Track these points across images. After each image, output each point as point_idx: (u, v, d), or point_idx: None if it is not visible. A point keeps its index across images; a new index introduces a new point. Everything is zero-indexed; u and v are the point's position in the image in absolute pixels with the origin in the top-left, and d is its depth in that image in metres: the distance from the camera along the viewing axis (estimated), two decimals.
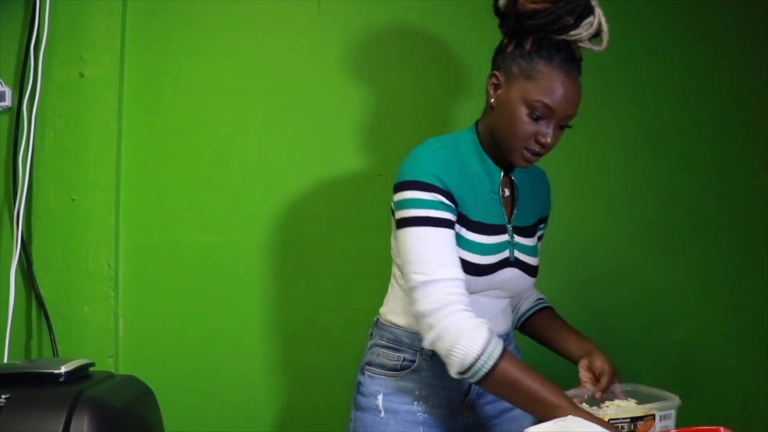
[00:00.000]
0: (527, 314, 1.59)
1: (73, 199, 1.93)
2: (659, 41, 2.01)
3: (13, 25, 1.96)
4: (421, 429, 1.40)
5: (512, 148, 1.34)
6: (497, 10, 1.37)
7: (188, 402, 1.93)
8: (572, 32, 1.29)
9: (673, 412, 1.32)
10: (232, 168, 1.97)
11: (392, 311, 1.45)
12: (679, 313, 1.99)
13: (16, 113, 1.93)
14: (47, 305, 1.89)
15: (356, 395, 1.46)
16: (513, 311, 1.61)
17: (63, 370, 1.03)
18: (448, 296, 1.24)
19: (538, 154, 1.34)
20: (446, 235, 1.29)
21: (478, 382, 1.24)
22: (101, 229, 1.93)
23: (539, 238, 1.53)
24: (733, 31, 2.02)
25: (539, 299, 1.60)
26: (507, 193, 1.43)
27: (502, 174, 1.41)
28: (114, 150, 1.95)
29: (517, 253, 1.41)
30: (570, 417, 1.14)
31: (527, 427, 1.32)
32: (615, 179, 2.02)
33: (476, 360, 1.20)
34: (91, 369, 1.16)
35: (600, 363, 1.43)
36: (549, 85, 1.28)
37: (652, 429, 1.28)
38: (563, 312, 1.71)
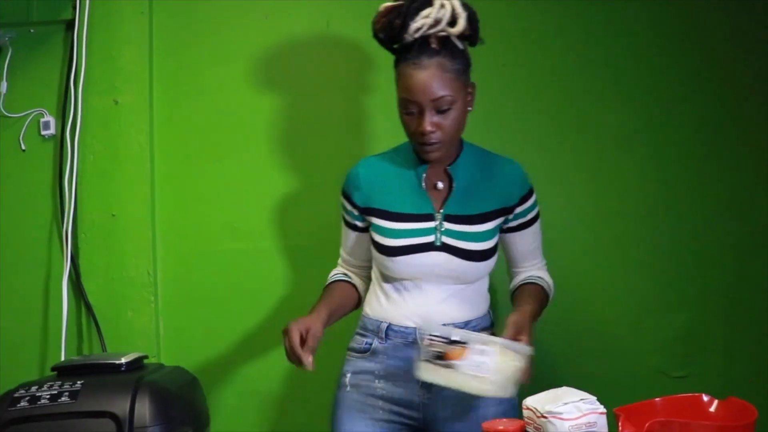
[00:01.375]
0: (512, 290, 1.64)
1: (113, 215, 2.08)
2: (658, 41, 2.03)
3: (54, 61, 2.13)
4: (381, 402, 1.55)
5: (414, 146, 1.53)
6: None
7: (224, 393, 2.06)
8: (411, 30, 1.42)
9: (490, 349, 1.32)
10: (257, 179, 2.08)
11: (365, 301, 1.66)
12: (680, 298, 2.02)
13: (59, 140, 2.10)
14: (95, 311, 2.05)
15: (338, 377, 1.62)
16: (484, 300, 1.64)
17: (123, 360, 1.21)
18: (338, 265, 1.70)
19: (432, 143, 1.46)
20: (344, 229, 1.66)
21: None
22: (140, 240, 2.07)
23: (520, 225, 1.59)
24: (732, 30, 2.01)
25: (529, 277, 1.62)
26: (441, 185, 1.56)
27: (429, 169, 1.54)
28: (148, 168, 2.09)
29: (445, 239, 1.52)
30: (563, 387, 1.24)
31: (487, 410, 1.48)
32: (621, 175, 2.03)
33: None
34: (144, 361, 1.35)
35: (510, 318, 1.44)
36: (405, 81, 1.44)
37: (462, 357, 1.33)
38: (572, 298, 1.85)
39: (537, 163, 2.00)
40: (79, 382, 1.13)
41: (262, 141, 2.10)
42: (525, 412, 1.19)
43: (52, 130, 2.12)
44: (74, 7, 2.10)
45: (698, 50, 2.02)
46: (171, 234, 2.11)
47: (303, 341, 1.40)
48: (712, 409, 1.21)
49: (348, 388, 1.59)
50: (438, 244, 1.52)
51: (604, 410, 1.15)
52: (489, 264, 1.57)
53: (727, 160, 2.02)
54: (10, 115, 2.13)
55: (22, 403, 1.11)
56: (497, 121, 2.04)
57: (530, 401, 1.19)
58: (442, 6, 1.44)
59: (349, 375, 1.60)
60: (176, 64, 2.13)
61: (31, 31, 2.15)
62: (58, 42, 2.14)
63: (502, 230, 1.60)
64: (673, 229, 2.04)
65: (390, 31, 1.46)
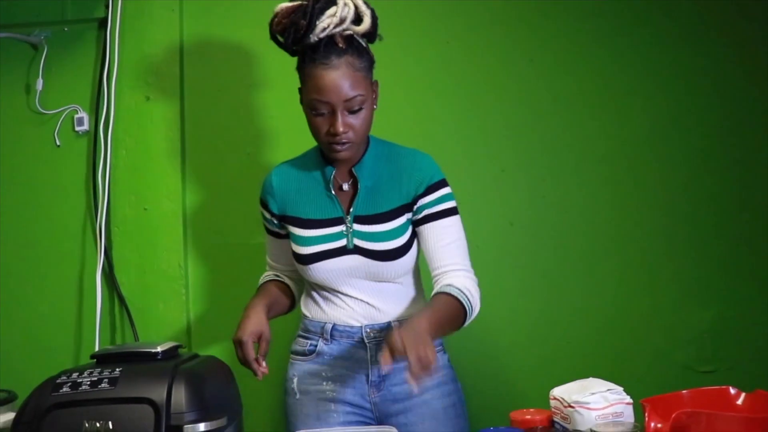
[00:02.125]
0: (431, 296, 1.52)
1: (145, 209, 2.12)
2: (673, 39, 2.04)
3: (87, 58, 2.18)
4: (333, 405, 1.54)
5: (322, 147, 1.50)
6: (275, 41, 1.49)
7: (253, 384, 2.05)
8: (317, 30, 1.40)
9: None
10: None
11: (303, 303, 1.65)
12: (708, 294, 2.03)
13: (93, 136, 2.14)
14: (128, 303, 2.10)
15: (284, 382, 1.62)
16: (422, 295, 1.62)
17: (159, 349, 1.25)
18: (266, 271, 1.69)
19: (343, 143, 1.44)
20: (267, 236, 1.66)
21: None
22: (171, 234, 2.11)
23: (426, 217, 1.51)
24: (750, 26, 2.02)
25: (445, 286, 1.48)
26: (346, 187, 1.53)
27: (335, 171, 1.53)
28: (179, 164, 2.13)
29: (357, 241, 1.50)
30: (590, 378, 1.27)
31: (441, 409, 1.51)
32: (646, 171, 2.05)
33: None
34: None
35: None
36: (314, 81, 1.41)
37: None
38: (599, 293, 1.85)
39: (557, 161, 2.07)
40: (117, 370, 1.16)
41: (292, 136, 2.06)
42: (552, 402, 1.21)
43: (85, 126, 2.17)
44: (107, 6, 2.14)
45: (715, 46, 2.03)
46: (201, 227, 2.14)
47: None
48: (739, 401, 1.21)
49: (298, 395, 1.58)
50: (350, 247, 1.50)
51: (631, 401, 1.17)
52: (406, 261, 1.52)
53: (754, 154, 2.02)
54: (45, 111, 2.18)
55: (65, 389, 1.15)
56: (514, 119, 2.06)
57: (557, 391, 1.21)
58: (346, 4, 1.42)
59: (296, 379, 1.58)
60: (206, 61, 2.16)
61: (65, 29, 2.20)
62: (92, 40, 2.19)
63: (413, 226, 1.54)
64: (700, 225, 2.04)
65: (294, 32, 1.42)
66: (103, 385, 1.14)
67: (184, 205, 2.14)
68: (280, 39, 1.47)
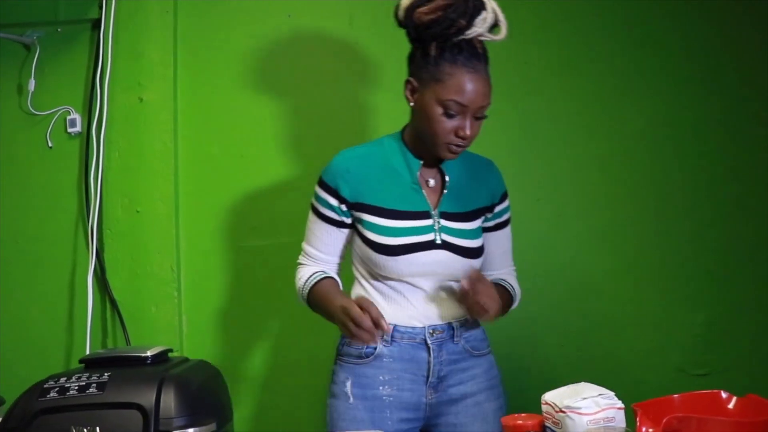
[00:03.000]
0: None
1: (138, 211, 2.11)
2: (670, 39, 2.04)
3: (80, 59, 2.17)
4: (388, 412, 1.50)
5: (436, 144, 1.45)
6: (399, 22, 1.46)
7: (246, 388, 2.09)
8: (468, 32, 1.38)
9: None
10: (279, 176, 2.09)
11: None
12: (701, 297, 2.03)
13: (86, 137, 2.13)
14: (119, 306, 2.08)
15: (330, 384, 1.56)
16: None
17: (149, 354, 1.24)
18: (301, 258, 1.61)
19: (461, 146, 1.45)
20: (321, 226, 1.56)
21: (308, 304, 1.55)
22: (164, 236, 2.10)
23: (496, 225, 1.60)
24: (745, 27, 2.02)
25: (496, 279, 1.61)
26: (433, 182, 1.53)
27: (421, 166, 1.51)
28: (172, 166, 2.12)
29: (444, 236, 1.50)
30: (582, 382, 1.25)
31: (491, 411, 1.51)
32: (640, 175, 2.05)
33: (300, 289, 1.55)
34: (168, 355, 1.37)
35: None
36: (457, 83, 1.39)
37: None
38: (592, 296, 1.87)
39: (551, 162, 2.07)
40: (106, 374, 1.16)
41: (285, 138, 2.12)
42: (544, 407, 1.20)
43: (78, 128, 2.16)
44: (100, 7, 2.13)
45: (724, 48, 2.03)
46: (194, 230, 2.13)
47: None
48: (730, 405, 1.20)
49: (351, 400, 1.51)
50: (438, 242, 1.50)
51: (623, 405, 1.16)
52: (481, 260, 1.57)
53: (747, 158, 2.02)
54: (37, 112, 2.17)
55: (52, 394, 1.14)
56: (512, 121, 2.05)
57: (549, 396, 1.20)
58: (493, 11, 1.41)
59: (349, 383, 1.52)
60: (200, 63, 2.16)
61: (58, 30, 2.19)
62: (85, 41, 2.18)
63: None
64: (693, 229, 2.04)
65: (448, 28, 1.38)
66: (91, 390, 1.13)
67: (177, 208, 2.13)
68: (426, 30, 1.41)
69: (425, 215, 1.51)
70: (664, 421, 1.08)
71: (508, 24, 1.43)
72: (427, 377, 1.52)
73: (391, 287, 1.52)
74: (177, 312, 2.09)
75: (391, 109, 2.04)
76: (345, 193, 1.51)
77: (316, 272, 1.56)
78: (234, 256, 2.12)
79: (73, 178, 2.17)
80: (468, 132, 1.42)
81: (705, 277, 2.04)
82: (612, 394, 1.17)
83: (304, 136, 2.12)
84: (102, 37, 2.11)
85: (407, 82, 1.47)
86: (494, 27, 1.43)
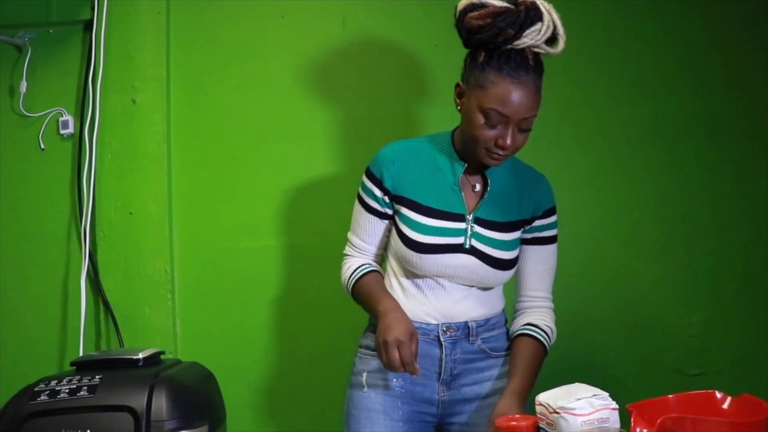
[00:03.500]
0: (513, 333, 1.57)
1: (131, 213, 2.10)
2: (675, 39, 2.03)
3: (72, 61, 2.16)
4: (400, 402, 1.52)
5: (477, 150, 1.44)
6: (455, 24, 1.43)
7: (240, 390, 2.07)
8: (517, 42, 1.35)
9: None
10: (273, 177, 2.09)
11: None
12: (696, 297, 2.03)
13: (78, 139, 2.12)
14: (113, 308, 2.07)
15: (350, 375, 1.59)
16: (500, 298, 1.61)
17: (141, 356, 1.23)
18: (348, 249, 1.62)
19: (502, 156, 1.43)
20: (365, 216, 1.57)
21: (353, 297, 1.57)
22: (157, 238, 2.09)
23: (534, 240, 1.55)
24: (736, 28, 2.02)
25: (526, 325, 1.55)
26: (478, 187, 1.52)
27: (464, 169, 1.50)
28: (165, 167, 2.11)
29: (474, 242, 1.49)
30: (576, 383, 1.24)
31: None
32: (635, 175, 2.04)
33: (345, 281, 1.57)
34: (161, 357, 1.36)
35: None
36: (500, 93, 1.36)
37: None
38: (587, 297, 1.85)
39: (549, 156, 2.02)
40: (97, 377, 1.15)
41: (279, 139, 2.12)
42: (538, 408, 1.19)
43: (70, 129, 2.15)
44: (92, 8, 2.12)
45: (715, 49, 2.02)
46: (188, 232, 2.12)
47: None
48: (725, 405, 1.20)
49: (365, 389, 1.54)
50: (467, 246, 1.49)
51: (617, 406, 1.15)
52: (511, 273, 1.55)
53: (743, 160, 2.02)
54: (29, 114, 2.16)
55: (42, 397, 1.13)
56: None
57: (543, 397, 1.19)
58: (551, 23, 1.37)
59: (365, 374, 1.55)
60: (193, 64, 2.15)
61: (50, 31, 2.18)
62: (77, 42, 2.17)
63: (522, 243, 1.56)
64: (689, 229, 2.04)
65: (496, 35, 1.35)
66: (82, 392, 1.13)
67: (170, 209, 2.12)
68: (476, 36, 1.39)
69: (460, 218, 1.50)
70: (659, 421, 1.08)
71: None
72: (440, 374, 1.52)
73: (414, 284, 1.54)
74: (171, 314, 2.08)
75: (385, 109, 2.07)
76: (388, 183, 1.52)
77: (362, 265, 1.58)
78: (228, 258, 2.11)
79: (65, 180, 2.16)
80: (509, 142, 1.40)
81: (701, 278, 2.03)
82: (606, 394, 1.16)
83: (299, 137, 2.11)
84: (94, 38, 2.10)
85: (457, 85, 1.47)
86: (553, 40, 1.39)
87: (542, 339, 1.52)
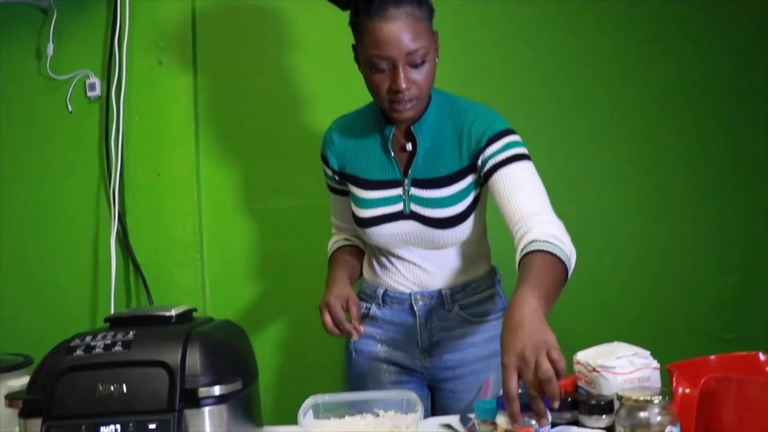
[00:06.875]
0: (518, 261, 1.27)
1: (159, 175, 2.09)
2: (682, 31, 2.03)
3: (98, 23, 2.14)
4: (385, 366, 1.55)
5: (383, 105, 1.38)
6: None
7: (269, 350, 2.10)
8: None
9: None
10: (301, 138, 2.07)
11: (364, 265, 1.63)
12: (731, 261, 2.02)
13: (105, 101, 2.11)
14: (143, 269, 2.08)
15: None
16: (482, 259, 1.55)
17: (173, 313, 1.23)
18: (333, 235, 1.67)
19: (405, 101, 1.34)
20: (331, 195, 1.61)
21: None
22: (186, 200, 2.09)
23: (494, 167, 1.37)
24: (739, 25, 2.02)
25: (533, 242, 1.25)
26: (410, 146, 1.44)
27: (392, 132, 1.45)
28: (192, 128, 2.10)
29: (413, 206, 1.43)
30: (615, 342, 1.21)
31: (489, 373, 1.47)
32: (667, 140, 2.04)
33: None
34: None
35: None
36: (373, 37, 1.30)
37: None
38: (621, 261, 1.86)
39: (583, 120, 2.05)
40: (131, 333, 1.14)
41: (307, 99, 2.09)
42: (576, 367, 1.17)
43: (97, 92, 2.14)
44: None
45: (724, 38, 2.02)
46: (216, 193, 2.12)
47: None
48: None
49: (354, 354, 1.59)
50: (407, 212, 1.44)
51: (658, 365, 1.13)
52: (464, 229, 1.44)
53: None
54: (56, 77, 2.15)
55: (78, 352, 1.13)
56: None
57: (581, 356, 1.17)
58: None
59: (352, 340, 1.59)
60: (219, 23, 2.13)
61: None
62: (102, 3, 2.15)
63: (484, 184, 1.42)
64: (723, 193, 2.03)
65: None
66: (116, 348, 1.12)
67: (198, 171, 2.11)
68: None
69: (396, 184, 1.45)
70: (703, 381, 1.05)
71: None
72: (418, 342, 1.53)
73: (385, 256, 1.54)
74: (200, 275, 2.09)
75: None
76: (333, 163, 1.53)
77: (334, 244, 1.65)
78: (257, 219, 2.11)
79: (93, 143, 2.15)
80: (402, 85, 1.31)
81: (737, 241, 2.02)
82: (647, 353, 1.14)
83: (329, 96, 2.08)
84: (119, 1, 2.08)
85: (353, 48, 1.41)
86: None
87: (545, 248, 1.22)
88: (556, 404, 1.00)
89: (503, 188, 1.35)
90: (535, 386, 1.00)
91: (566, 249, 1.25)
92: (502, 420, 1.06)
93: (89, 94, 2.14)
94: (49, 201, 2.17)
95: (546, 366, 0.99)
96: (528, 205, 1.32)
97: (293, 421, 1.16)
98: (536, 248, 1.22)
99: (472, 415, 1.22)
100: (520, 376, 1.02)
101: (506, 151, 1.37)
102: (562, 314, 1.97)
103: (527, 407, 1.02)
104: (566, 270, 1.24)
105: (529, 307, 1.08)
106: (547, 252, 1.22)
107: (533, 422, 1.03)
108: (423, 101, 1.39)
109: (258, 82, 2.12)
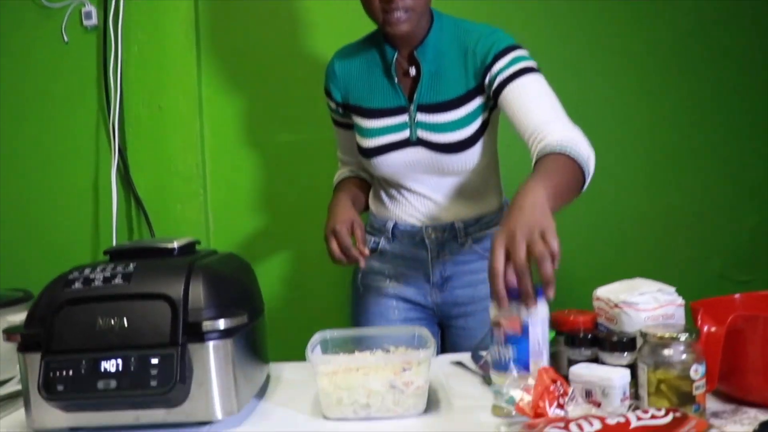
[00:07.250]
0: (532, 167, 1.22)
1: (160, 107, 2.03)
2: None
3: None
4: (394, 302, 1.52)
5: (377, 20, 1.33)
6: None
7: (274, 284, 2.08)
8: None
9: None
10: (307, 67, 2.00)
11: (370, 199, 1.58)
12: (745, 203, 1.99)
13: (102, 31, 2.03)
14: (144, 204, 2.04)
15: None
16: (493, 192, 1.51)
17: (176, 245, 1.18)
18: (339, 169, 1.64)
19: (398, 9, 1.29)
20: (335, 129, 1.57)
21: None
22: (188, 133, 2.03)
23: (504, 81, 1.32)
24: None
25: (546, 146, 1.20)
26: (413, 71, 1.40)
27: (397, 55, 1.40)
28: (193, 58, 2.03)
29: (420, 132, 1.39)
30: (637, 278, 1.15)
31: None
32: (699, 80, 2.01)
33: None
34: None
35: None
36: None
37: None
38: (634, 202, 1.84)
39: (609, 61, 1.99)
40: (132, 265, 1.10)
41: (313, 28, 2.03)
42: (596, 303, 1.13)
43: (94, 21, 2.06)
44: None
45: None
46: (219, 126, 2.07)
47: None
48: None
49: (361, 290, 1.56)
50: (413, 139, 1.40)
51: (683, 302, 1.08)
52: (474, 153, 1.39)
53: None
54: (50, 5, 2.06)
55: (77, 285, 1.09)
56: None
57: (602, 292, 1.12)
58: None
59: (359, 275, 1.56)
60: None
61: None
62: None
63: (495, 101, 1.35)
64: (738, 137, 2.00)
65: None
66: (116, 280, 1.07)
67: (201, 103, 2.06)
68: None
69: (402, 111, 1.41)
70: (730, 319, 1.00)
71: None
72: (429, 276, 1.49)
73: (396, 189, 1.49)
74: (203, 209, 2.06)
75: None
76: (336, 96, 1.50)
77: (340, 174, 1.63)
78: (260, 152, 2.06)
79: (91, 74, 2.08)
80: None
81: (753, 184, 2.00)
82: (672, 289, 1.09)
83: (336, 26, 2.00)
84: None
85: None
86: None
87: (559, 150, 1.17)
88: (551, 292, 0.96)
89: (514, 101, 1.29)
90: (522, 269, 0.96)
91: (583, 151, 1.19)
92: (492, 309, 1.04)
93: (85, 23, 2.06)
94: (47, 135, 2.11)
95: (540, 247, 0.96)
96: (541, 114, 1.26)
97: (300, 357, 1.12)
98: (549, 151, 1.17)
99: (484, 353, 1.18)
100: (508, 257, 0.97)
101: (514, 65, 1.32)
102: (575, 253, 1.98)
103: (515, 294, 0.98)
104: (582, 173, 1.19)
105: (534, 195, 1.03)
106: (560, 153, 1.17)
107: (522, 309, 0.99)
108: (418, 15, 1.33)
109: (262, 6, 2.04)
